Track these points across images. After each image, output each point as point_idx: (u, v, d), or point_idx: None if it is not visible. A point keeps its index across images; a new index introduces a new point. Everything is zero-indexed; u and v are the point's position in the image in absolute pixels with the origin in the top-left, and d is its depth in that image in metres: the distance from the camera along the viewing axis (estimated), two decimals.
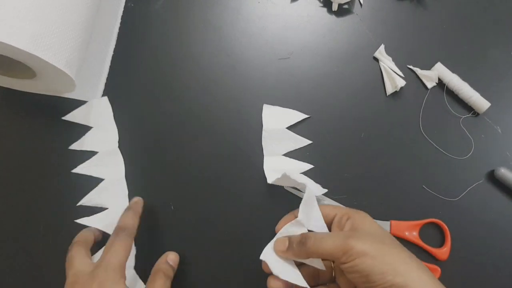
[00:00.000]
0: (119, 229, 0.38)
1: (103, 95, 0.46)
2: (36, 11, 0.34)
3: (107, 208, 0.43)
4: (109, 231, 0.42)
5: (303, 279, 0.34)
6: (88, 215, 0.43)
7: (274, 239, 0.36)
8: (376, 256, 0.31)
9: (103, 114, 0.45)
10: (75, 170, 0.44)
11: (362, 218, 0.36)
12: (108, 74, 0.47)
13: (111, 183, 0.44)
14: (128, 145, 0.45)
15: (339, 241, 0.32)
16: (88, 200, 0.43)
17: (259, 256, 0.35)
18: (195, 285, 0.43)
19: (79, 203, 0.43)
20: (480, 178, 0.45)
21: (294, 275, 0.34)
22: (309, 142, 0.45)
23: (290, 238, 0.35)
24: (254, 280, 0.42)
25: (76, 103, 0.45)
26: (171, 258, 0.40)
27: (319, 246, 0.33)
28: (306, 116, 0.46)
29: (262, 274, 0.36)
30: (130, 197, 0.44)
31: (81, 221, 0.42)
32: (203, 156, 0.45)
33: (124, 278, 0.36)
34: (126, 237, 0.38)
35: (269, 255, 0.35)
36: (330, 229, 0.37)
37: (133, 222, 0.40)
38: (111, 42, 0.47)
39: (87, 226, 0.41)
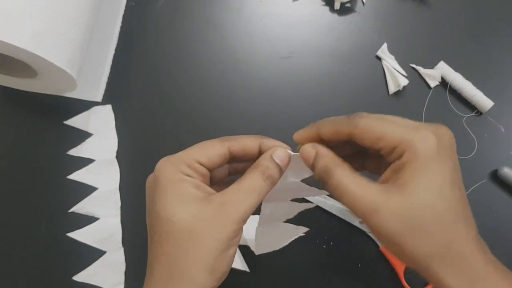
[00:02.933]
0: None
1: (104, 96, 0.46)
2: (37, 10, 0.34)
3: (98, 218, 0.43)
4: (99, 246, 0.42)
5: None
6: (79, 223, 0.43)
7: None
8: (397, 244, 0.26)
9: (105, 122, 0.45)
10: (70, 176, 0.44)
11: (421, 166, 0.26)
12: (110, 73, 0.46)
13: (104, 193, 0.43)
14: (127, 154, 0.45)
15: (361, 208, 0.26)
16: (80, 207, 0.43)
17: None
18: None
19: (71, 210, 0.43)
20: (483, 177, 0.45)
21: None
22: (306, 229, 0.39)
23: (314, 160, 0.29)
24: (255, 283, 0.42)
25: (78, 103, 0.45)
26: (278, 154, 0.30)
27: (338, 196, 0.27)
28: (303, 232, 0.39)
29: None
30: (123, 208, 0.43)
31: (72, 234, 0.42)
32: None
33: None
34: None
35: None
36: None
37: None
38: (112, 41, 0.47)
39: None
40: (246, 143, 0.31)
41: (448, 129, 0.28)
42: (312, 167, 0.30)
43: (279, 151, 0.30)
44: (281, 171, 0.30)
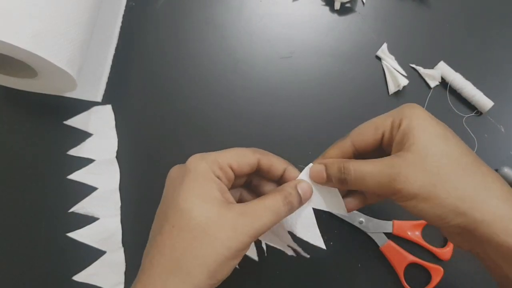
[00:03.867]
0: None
1: (104, 96, 0.46)
2: (37, 10, 0.34)
3: (98, 218, 0.43)
4: (99, 246, 0.42)
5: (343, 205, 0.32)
6: (79, 223, 0.43)
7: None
8: (429, 197, 0.26)
9: (105, 122, 0.45)
10: (70, 176, 0.44)
11: (419, 125, 0.28)
12: (110, 73, 0.46)
13: (104, 193, 0.43)
14: (127, 154, 0.45)
15: (384, 180, 0.27)
16: (80, 207, 0.43)
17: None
18: None
19: (71, 210, 0.43)
20: None
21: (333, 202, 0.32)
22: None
23: (327, 170, 0.31)
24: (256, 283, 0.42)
25: (78, 103, 0.45)
26: (302, 186, 0.31)
27: (362, 184, 0.29)
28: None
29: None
30: (123, 208, 0.43)
31: (72, 234, 0.42)
32: None
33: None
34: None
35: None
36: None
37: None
38: (112, 41, 0.47)
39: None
40: (274, 161, 0.32)
41: None
42: (328, 178, 0.31)
43: (304, 184, 0.32)
44: (300, 202, 0.31)
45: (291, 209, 0.30)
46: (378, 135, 0.31)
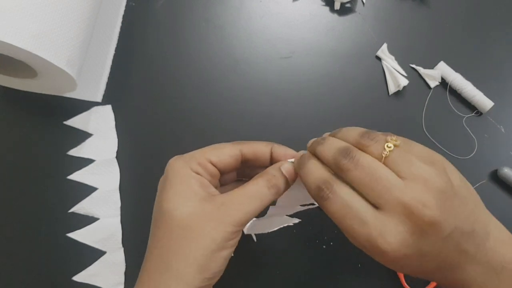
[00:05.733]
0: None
1: (104, 96, 0.46)
2: (37, 10, 0.34)
3: (98, 218, 0.43)
4: (99, 246, 0.42)
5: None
6: (79, 223, 0.43)
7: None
8: (411, 254, 0.25)
9: (105, 123, 0.45)
10: (70, 177, 0.44)
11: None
12: (110, 73, 0.46)
13: (104, 193, 0.43)
14: (127, 154, 0.45)
15: (362, 237, 0.25)
16: (80, 208, 0.43)
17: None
18: None
19: (71, 210, 0.43)
20: (483, 177, 0.45)
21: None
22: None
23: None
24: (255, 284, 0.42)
25: (78, 103, 0.45)
26: (286, 167, 0.30)
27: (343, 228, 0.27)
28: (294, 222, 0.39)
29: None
30: (123, 208, 0.43)
31: (72, 234, 0.42)
32: None
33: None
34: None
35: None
36: None
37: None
38: (112, 41, 0.47)
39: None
40: (258, 147, 0.31)
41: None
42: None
43: (287, 164, 0.31)
44: (287, 183, 0.30)
45: (278, 192, 0.30)
46: None
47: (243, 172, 0.35)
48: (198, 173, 0.29)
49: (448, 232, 0.25)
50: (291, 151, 0.32)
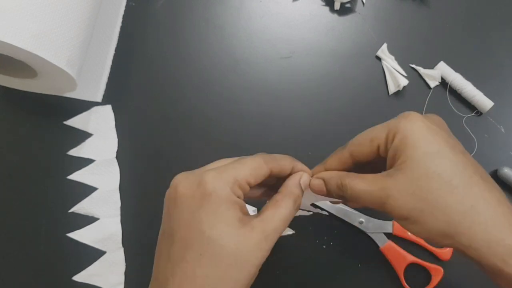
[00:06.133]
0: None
1: (104, 96, 0.46)
2: (37, 10, 0.34)
3: (98, 218, 0.43)
4: (99, 246, 0.42)
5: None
6: (79, 223, 0.43)
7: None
8: (417, 221, 0.26)
9: (104, 123, 0.45)
10: (70, 177, 0.44)
11: (411, 141, 0.27)
12: (110, 73, 0.46)
13: (104, 193, 0.43)
14: (127, 154, 0.45)
15: (376, 201, 0.28)
16: (80, 208, 0.43)
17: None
18: None
19: (71, 210, 0.43)
20: None
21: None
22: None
23: (326, 186, 0.32)
24: None
25: (78, 103, 0.45)
26: (304, 181, 0.32)
27: (358, 201, 0.29)
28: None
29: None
30: (123, 208, 0.43)
31: (72, 234, 0.42)
32: (203, 163, 0.45)
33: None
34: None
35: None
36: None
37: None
38: (112, 41, 0.47)
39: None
40: (284, 164, 0.32)
41: (436, 115, 0.30)
42: (329, 192, 0.31)
43: (306, 178, 0.32)
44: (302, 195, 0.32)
45: (298, 209, 0.31)
46: (373, 147, 0.30)
47: None
48: (239, 197, 0.29)
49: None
50: (307, 169, 0.33)
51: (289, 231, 0.39)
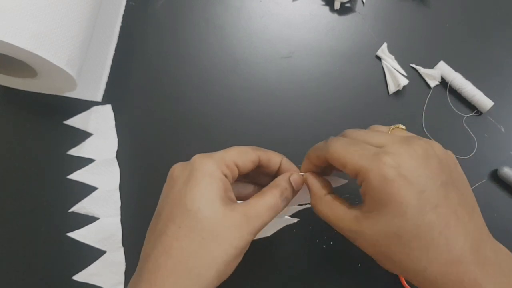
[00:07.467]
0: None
1: (104, 96, 0.46)
2: (37, 10, 0.34)
3: (98, 218, 0.43)
4: (99, 246, 0.42)
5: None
6: (79, 222, 0.43)
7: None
8: (379, 261, 0.29)
9: (104, 122, 0.45)
10: (70, 176, 0.44)
11: (374, 194, 0.27)
12: (110, 73, 0.46)
13: (104, 193, 0.43)
14: (127, 154, 0.45)
15: (347, 233, 0.29)
16: (80, 207, 0.43)
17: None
18: None
19: (71, 210, 0.43)
20: (483, 177, 0.45)
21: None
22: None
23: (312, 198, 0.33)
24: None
25: (78, 103, 0.45)
26: (295, 178, 0.32)
27: (332, 225, 0.30)
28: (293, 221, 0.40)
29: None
30: (123, 208, 0.43)
31: (72, 234, 0.42)
32: None
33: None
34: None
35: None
36: None
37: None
38: (112, 40, 0.47)
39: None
40: (272, 156, 0.33)
41: (427, 144, 0.27)
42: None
43: (296, 176, 0.33)
44: (294, 194, 0.32)
45: (287, 204, 0.31)
46: (344, 170, 0.29)
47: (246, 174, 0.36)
48: (225, 176, 0.30)
49: None
50: (296, 168, 0.34)
51: (294, 220, 0.39)
